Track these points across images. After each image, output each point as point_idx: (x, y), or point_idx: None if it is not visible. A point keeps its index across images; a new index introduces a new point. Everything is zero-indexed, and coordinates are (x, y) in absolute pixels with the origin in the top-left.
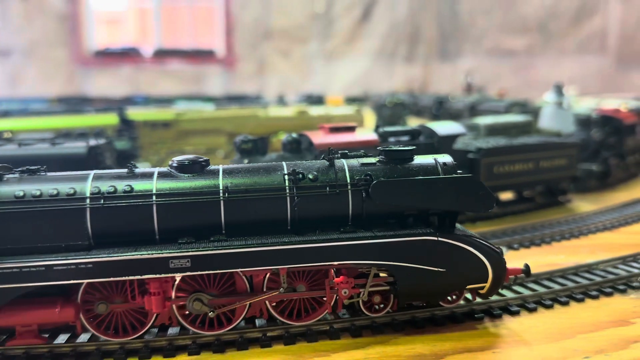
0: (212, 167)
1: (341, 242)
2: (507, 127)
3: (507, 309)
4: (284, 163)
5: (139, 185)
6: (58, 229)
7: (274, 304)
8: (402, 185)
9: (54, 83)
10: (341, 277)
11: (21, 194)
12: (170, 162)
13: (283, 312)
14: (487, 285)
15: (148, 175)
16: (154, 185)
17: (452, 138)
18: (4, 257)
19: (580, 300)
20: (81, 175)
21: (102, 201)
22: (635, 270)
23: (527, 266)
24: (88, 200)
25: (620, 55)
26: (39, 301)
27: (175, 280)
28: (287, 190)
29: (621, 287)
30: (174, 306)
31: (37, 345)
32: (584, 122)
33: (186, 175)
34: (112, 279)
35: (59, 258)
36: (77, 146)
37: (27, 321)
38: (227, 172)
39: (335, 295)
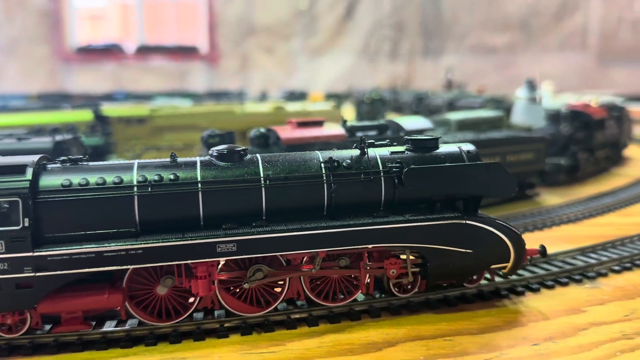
0: (249, 156)
1: (377, 225)
2: (478, 122)
3: (464, 298)
4: (318, 152)
5: (184, 174)
6: (106, 216)
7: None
8: (433, 172)
9: (35, 80)
10: (390, 258)
11: (67, 182)
12: (210, 152)
13: (319, 296)
14: (509, 265)
15: (191, 164)
16: (198, 173)
17: (418, 132)
18: (54, 245)
19: (536, 290)
20: (125, 165)
21: (149, 189)
22: (592, 261)
23: (543, 247)
24: (135, 189)
25: (600, 52)
26: (84, 288)
27: (219, 264)
28: (324, 178)
29: (577, 277)
30: (217, 289)
31: (86, 331)
32: (554, 117)
33: (227, 163)
34: (162, 264)
35: (110, 244)
36: (43, 141)
37: (75, 308)
38: (266, 161)
39: (368, 276)
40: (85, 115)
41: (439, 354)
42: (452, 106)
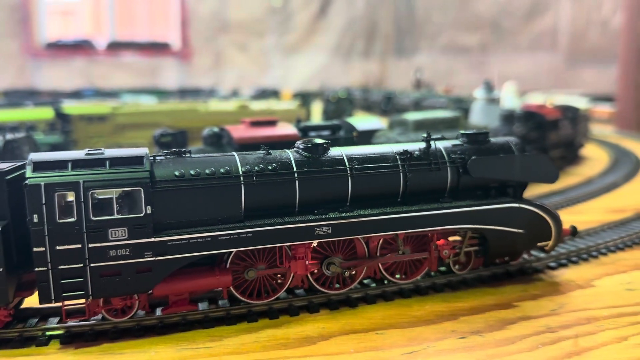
0: (332, 149)
1: (449, 209)
2: (435, 122)
3: (400, 292)
4: (391, 145)
5: (282, 165)
6: (215, 204)
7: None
8: (493, 162)
9: (4, 76)
10: (442, 240)
11: (181, 173)
12: (297, 144)
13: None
14: (551, 242)
15: (285, 156)
16: (293, 164)
17: (371, 133)
18: (170, 231)
19: (472, 285)
20: (227, 156)
21: (254, 178)
22: (532, 258)
23: (574, 227)
24: (242, 178)
25: (570, 52)
26: (194, 271)
27: (312, 245)
28: (400, 168)
29: (513, 273)
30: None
31: (193, 311)
32: (508, 117)
33: (314, 155)
34: (266, 245)
35: (222, 229)
36: None
37: (188, 289)
38: (348, 154)
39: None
40: (46, 113)
41: (369, 347)
42: (418, 105)
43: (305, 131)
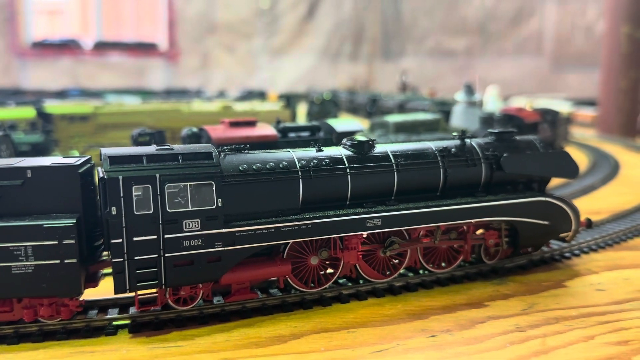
0: (378, 146)
1: (485, 203)
2: (416, 124)
3: (374, 292)
4: (430, 142)
5: (334, 160)
6: (276, 196)
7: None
8: (524, 158)
9: None
10: (491, 231)
11: (245, 167)
12: (344, 142)
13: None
14: (571, 233)
15: (336, 153)
16: (345, 159)
17: (350, 134)
18: (237, 222)
19: (445, 285)
20: (284, 152)
21: (311, 173)
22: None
23: (589, 220)
24: (300, 173)
25: (555, 57)
26: (256, 261)
27: (363, 236)
28: (440, 164)
29: (487, 273)
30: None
31: (252, 299)
32: (487, 120)
33: (361, 152)
34: (325, 236)
35: (285, 221)
36: None
37: (252, 278)
38: (392, 150)
39: (473, 245)
40: (27, 112)
41: (339, 345)
42: (402, 108)
43: (284, 132)
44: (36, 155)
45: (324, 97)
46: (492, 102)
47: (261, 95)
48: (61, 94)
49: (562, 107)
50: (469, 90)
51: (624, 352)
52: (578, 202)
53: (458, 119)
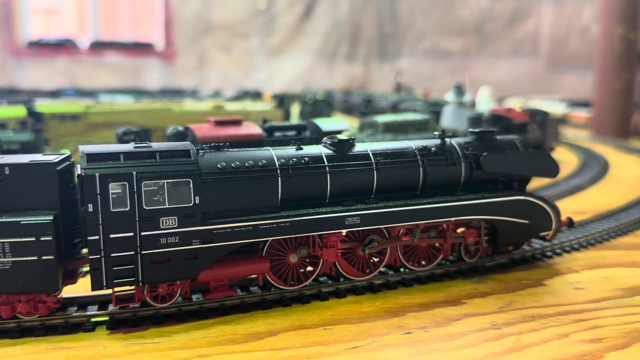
0: (358, 145)
1: (464, 201)
2: (405, 125)
3: (353, 290)
4: (409, 141)
5: (314, 159)
6: (255, 194)
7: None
8: (503, 158)
9: None
10: (470, 229)
11: (223, 165)
12: (324, 140)
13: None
14: (551, 232)
15: (315, 151)
16: (324, 158)
17: (336, 133)
18: (214, 219)
19: (424, 283)
20: (263, 150)
21: (290, 171)
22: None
23: (570, 219)
24: (279, 171)
25: (551, 58)
26: (234, 258)
27: (342, 234)
28: (420, 162)
29: (467, 272)
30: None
31: (231, 296)
32: (476, 120)
33: (341, 151)
34: (302, 234)
35: (263, 218)
36: None
37: (230, 275)
38: (372, 149)
39: (451, 243)
40: (18, 111)
41: (315, 342)
42: (395, 108)
43: (270, 131)
44: (27, 153)
45: (316, 97)
46: (484, 102)
47: (257, 95)
48: (56, 94)
49: (557, 108)
50: (459, 91)
51: (597, 349)
52: (565, 202)
53: (448, 119)
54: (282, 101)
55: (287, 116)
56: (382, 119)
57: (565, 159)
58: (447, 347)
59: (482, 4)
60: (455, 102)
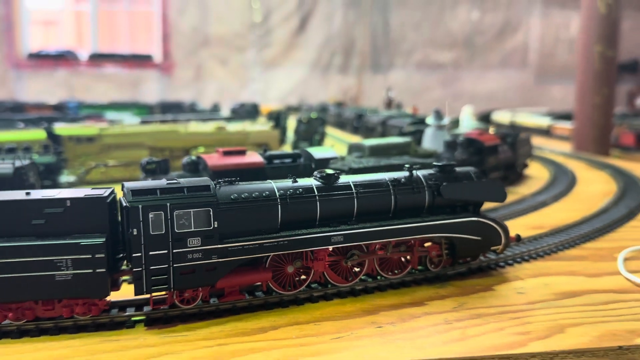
0: (342, 178)
1: (429, 222)
2: (389, 147)
3: (339, 294)
4: (383, 174)
5: (306, 189)
6: (260, 219)
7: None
8: (460, 187)
9: None
10: (433, 245)
11: (235, 197)
12: (315, 174)
13: (385, 271)
14: (501, 247)
15: (308, 183)
16: (315, 189)
17: (327, 160)
18: (229, 239)
19: (396, 288)
20: (266, 183)
21: (288, 200)
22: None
23: (518, 235)
24: (279, 200)
25: (539, 70)
26: (244, 269)
27: (329, 250)
28: (391, 191)
29: (431, 279)
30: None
31: (241, 299)
32: (451, 144)
33: (328, 182)
34: (297, 250)
35: (267, 238)
36: (4, 167)
37: (241, 283)
38: (353, 181)
39: (418, 256)
40: (38, 134)
41: (307, 334)
42: (384, 124)
43: (270, 159)
44: (50, 174)
45: (311, 116)
46: (467, 120)
47: (254, 107)
48: (59, 107)
49: (541, 120)
50: (438, 115)
51: (524, 339)
52: (527, 218)
53: (428, 141)
54: (279, 120)
55: (283, 134)
56: (368, 142)
57: (538, 175)
58: (408, 337)
59: (472, 17)
60: (435, 125)
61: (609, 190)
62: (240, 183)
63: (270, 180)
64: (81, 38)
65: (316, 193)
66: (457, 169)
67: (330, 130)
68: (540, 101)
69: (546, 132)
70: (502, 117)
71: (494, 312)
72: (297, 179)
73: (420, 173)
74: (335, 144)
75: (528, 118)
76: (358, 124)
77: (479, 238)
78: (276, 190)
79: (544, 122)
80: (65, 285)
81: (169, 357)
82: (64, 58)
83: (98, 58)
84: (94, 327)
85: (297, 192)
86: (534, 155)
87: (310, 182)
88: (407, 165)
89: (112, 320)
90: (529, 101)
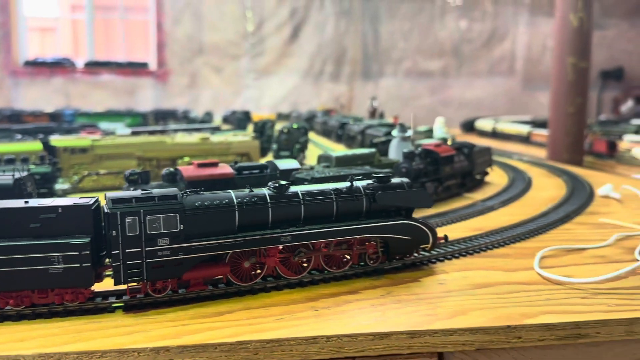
0: (292, 188)
1: (366, 224)
2: (355, 158)
3: (289, 285)
4: (329, 185)
5: (260, 197)
6: (220, 222)
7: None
8: (393, 195)
9: None
10: (370, 244)
11: (199, 204)
12: (269, 185)
13: (329, 267)
14: (429, 245)
15: (261, 192)
16: (267, 196)
17: (290, 171)
18: (194, 239)
19: (339, 280)
20: (225, 194)
21: (244, 206)
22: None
23: (446, 235)
24: (236, 206)
25: (526, 77)
26: (206, 264)
27: (279, 248)
28: (334, 199)
29: (370, 272)
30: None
31: (204, 290)
32: (409, 155)
33: (281, 191)
34: (252, 248)
35: (225, 238)
36: (3, 179)
37: (203, 276)
38: (301, 190)
39: (359, 253)
40: (35, 146)
41: (256, 316)
42: (363, 133)
43: (239, 170)
44: (46, 183)
45: (292, 126)
46: (439, 131)
47: (245, 115)
48: (55, 116)
49: (521, 128)
50: (402, 128)
51: (432, 319)
52: (472, 221)
53: (393, 152)
54: (264, 129)
55: (268, 142)
56: (335, 153)
57: (497, 181)
58: (337, 318)
59: (460, 26)
60: (400, 137)
61: (557, 196)
62: (204, 193)
63: (230, 190)
64: (77, 46)
65: (268, 201)
66: (393, 179)
67: (317, 138)
68: (527, 107)
69: (526, 139)
70: (484, 124)
71: (413, 299)
72: (253, 189)
73: (360, 183)
74: (317, 153)
75: (509, 126)
76: (341, 132)
77: (409, 238)
78: (234, 199)
79: (524, 129)
80: (57, 277)
81: (141, 334)
82: (60, 66)
83: (94, 66)
84: (80, 312)
85: (252, 199)
86: (494, 163)
87: (264, 191)
88: (349, 178)
89: (96, 307)
90: (516, 108)
